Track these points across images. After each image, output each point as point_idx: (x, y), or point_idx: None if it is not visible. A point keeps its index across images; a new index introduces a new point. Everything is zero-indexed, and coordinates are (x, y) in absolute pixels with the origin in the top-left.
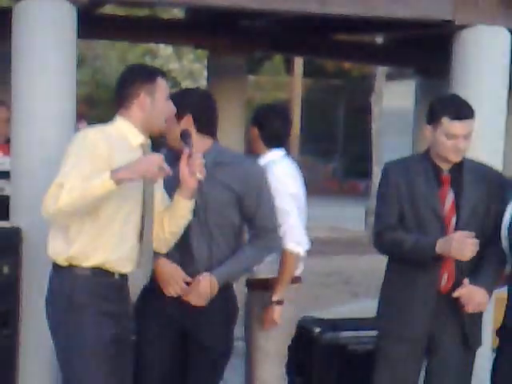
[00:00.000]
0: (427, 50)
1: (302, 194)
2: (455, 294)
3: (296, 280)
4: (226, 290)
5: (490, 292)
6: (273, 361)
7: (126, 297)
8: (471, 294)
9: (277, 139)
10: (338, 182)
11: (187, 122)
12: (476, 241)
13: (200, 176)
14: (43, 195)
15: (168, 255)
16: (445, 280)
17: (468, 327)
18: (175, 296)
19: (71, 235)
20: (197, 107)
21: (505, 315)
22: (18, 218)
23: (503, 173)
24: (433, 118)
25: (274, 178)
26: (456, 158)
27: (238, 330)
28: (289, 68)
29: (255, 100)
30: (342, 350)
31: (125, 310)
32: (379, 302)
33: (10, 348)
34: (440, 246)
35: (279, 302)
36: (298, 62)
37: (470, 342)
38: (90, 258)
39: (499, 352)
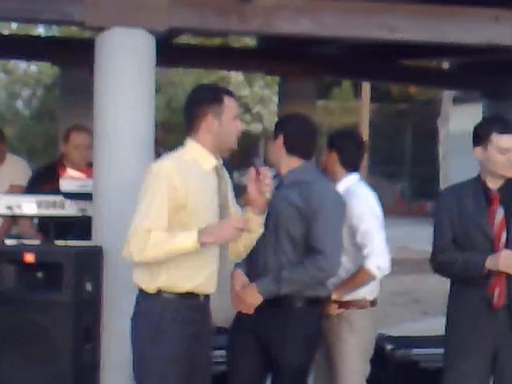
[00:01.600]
0: (493, 74)
1: (381, 215)
2: None
3: (374, 303)
4: (307, 309)
5: None
6: (355, 382)
7: (208, 316)
8: None
9: (355, 163)
10: (406, 203)
11: (279, 142)
12: None
13: (268, 195)
14: (122, 216)
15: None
16: (496, 295)
17: None
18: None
19: (155, 267)
20: (288, 129)
21: None
22: (100, 237)
23: None
24: (481, 139)
25: (360, 200)
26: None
27: None
28: (357, 93)
29: (324, 124)
30: (414, 366)
31: (206, 330)
32: (445, 321)
33: (92, 363)
34: (489, 262)
35: (337, 303)
36: (366, 87)
37: None
38: (181, 286)
39: None
